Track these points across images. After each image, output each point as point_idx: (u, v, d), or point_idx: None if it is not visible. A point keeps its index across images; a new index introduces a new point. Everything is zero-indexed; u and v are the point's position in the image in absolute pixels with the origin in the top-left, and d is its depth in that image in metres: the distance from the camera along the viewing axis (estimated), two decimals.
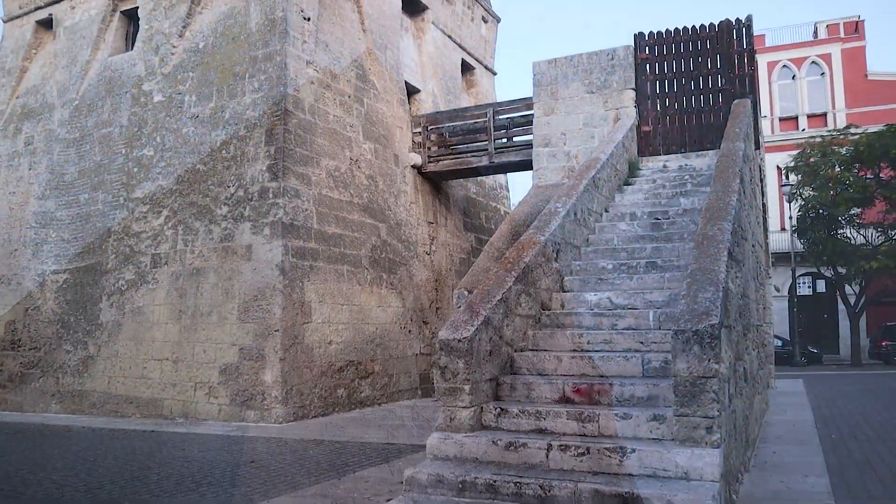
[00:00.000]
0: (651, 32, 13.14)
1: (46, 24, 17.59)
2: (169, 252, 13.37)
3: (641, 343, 6.84)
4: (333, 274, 13.14)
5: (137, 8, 15.57)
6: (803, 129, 32.13)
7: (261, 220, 12.31)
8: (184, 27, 14.56)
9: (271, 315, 11.78)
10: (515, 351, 6.98)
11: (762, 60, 30.40)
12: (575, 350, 7.03)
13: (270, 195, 12.34)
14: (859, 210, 25.64)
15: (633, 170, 12.08)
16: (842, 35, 32.95)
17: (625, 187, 11.33)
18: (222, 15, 14.26)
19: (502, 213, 20.68)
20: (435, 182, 17.17)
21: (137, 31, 15.64)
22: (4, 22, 18.40)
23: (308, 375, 12.14)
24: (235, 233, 12.58)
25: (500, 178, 21.08)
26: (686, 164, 12.24)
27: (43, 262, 15.45)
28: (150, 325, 13.21)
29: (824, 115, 32.45)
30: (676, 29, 13.05)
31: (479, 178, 19.09)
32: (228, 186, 12.93)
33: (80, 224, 15.04)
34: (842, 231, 26.50)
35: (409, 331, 15.27)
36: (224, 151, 13.17)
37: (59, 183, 15.77)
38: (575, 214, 8.97)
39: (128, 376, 13.25)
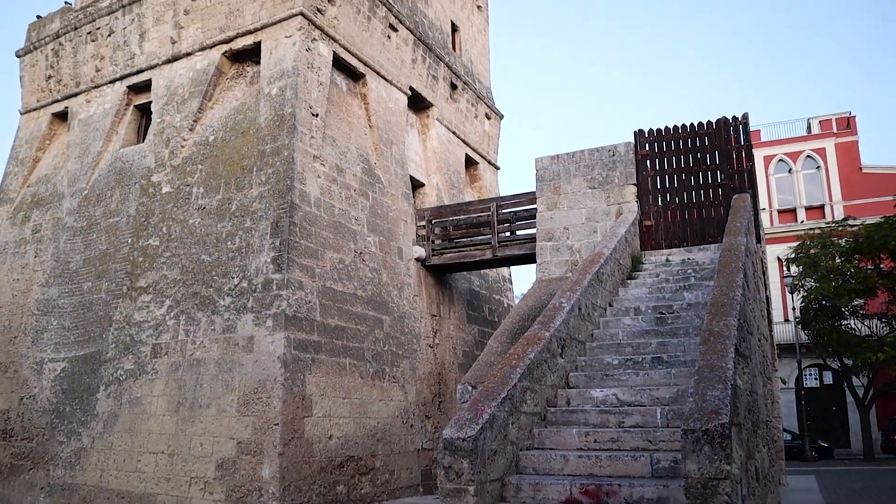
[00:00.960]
0: (651, 130, 13.49)
1: (61, 117, 18.11)
2: (170, 342, 13.28)
3: (650, 441, 6.70)
4: (335, 367, 12.99)
5: (150, 102, 16.06)
6: (802, 221, 32.50)
7: (264, 312, 12.28)
8: (195, 121, 14.98)
9: (271, 408, 11.58)
10: (521, 450, 6.83)
11: (759, 154, 31.08)
12: (581, 449, 6.88)
13: (274, 287, 12.36)
14: (862, 301, 25.61)
15: (636, 264, 12.13)
16: (834, 130, 33.81)
17: (628, 281, 11.36)
18: (233, 110, 14.70)
19: (506, 305, 20.65)
20: (439, 275, 17.23)
21: (149, 124, 16.09)
22: (21, 114, 18.96)
23: (307, 471, 11.82)
24: (238, 324, 12.53)
25: (504, 271, 21.17)
26: (689, 258, 12.30)
27: (42, 349, 15.34)
28: (146, 417, 12.97)
29: (822, 207, 32.89)
30: (675, 126, 13.40)
31: (482, 270, 19.18)
32: (232, 277, 12.97)
33: (82, 312, 15.01)
34: (846, 322, 26.38)
35: (412, 425, 14.97)
36: (229, 242, 13.29)
37: (63, 271, 15.84)
38: (579, 309, 8.96)
39: (121, 469, 12.91)
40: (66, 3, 19.05)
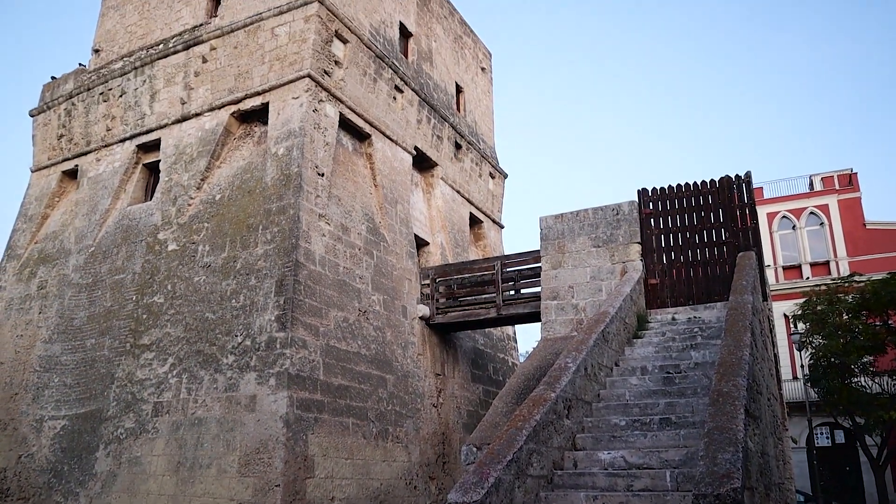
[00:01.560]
0: (654, 188, 13.57)
1: (71, 175, 18.36)
2: (171, 401, 13.14)
3: None
4: (338, 426, 12.81)
5: (159, 161, 16.29)
6: (807, 278, 32.38)
7: (267, 371, 12.18)
8: (202, 180, 15.16)
9: (272, 469, 11.38)
10: None
11: (762, 211, 31.21)
12: None
13: (278, 345, 12.29)
14: (872, 358, 25.28)
15: (641, 322, 12.05)
16: (837, 187, 33.99)
17: (634, 340, 11.26)
18: (240, 169, 14.88)
19: (511, 364, 20.47)
20: (443, 333, 17.14)
21: (157, 182, 16.29)
22: (32, 172, 19.23)
23: None
24: (240, 382, 12.42)
25: (509, 329, 21.05)
26: (695, 317, 12.22)
27: (42, 407, 15.19)
28: (146, 477, 12.75)
29: (827, 263, 32.81)
30: (679, 185, 13.48)
31: (487, 329, 19.08)
32: (236, 336, 12.92)
33: (84, 369, 14.92)
34: (856, 379, 25.99)
35: (416, 487, 14.67)
36: (234, 301, 13.28)
37: (67, 327, 15.82)
38: (585, 369, 8.86)
39: None
40: (80, 64, 19.52)
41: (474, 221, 21.04)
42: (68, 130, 18.53)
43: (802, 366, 27.68)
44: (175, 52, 16.66)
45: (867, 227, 32.88)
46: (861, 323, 25.10)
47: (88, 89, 18.28)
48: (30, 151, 19.67)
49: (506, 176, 23.36)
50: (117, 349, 14.58)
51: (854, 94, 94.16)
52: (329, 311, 13.40)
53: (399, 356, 15.23)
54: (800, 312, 26.96)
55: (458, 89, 21.56)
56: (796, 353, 28.14)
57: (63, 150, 18.54)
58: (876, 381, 26.09)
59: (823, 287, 27.23)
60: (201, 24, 16.77)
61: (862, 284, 25.12)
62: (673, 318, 12.34)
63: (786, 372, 28.39)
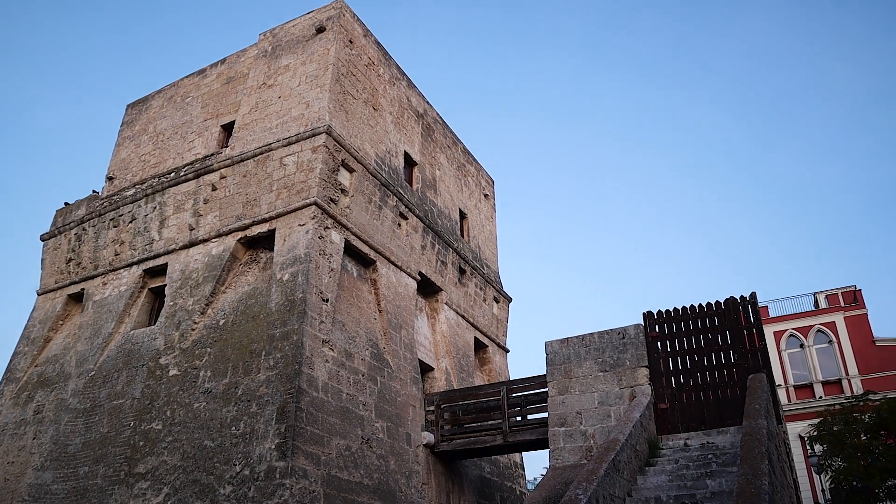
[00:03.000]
0: (660, 311, 13.51)
1: (77, 298, 18.44)
2: None
3: None
4: None
5: (165, 285, 16.38)
6: (820, 397, 31.69)
7: (265, 502, 11.70)
8: (206, 305, 15.18)
9: None
10: None
11: (768, 330, 30.96)
12: None
13: (277, 475, 11.87)
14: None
15: (653, 449, 11.67)
16: (842, 304, 33.89)
17: (646, 468, 10.86)
18: (244, 294, 14.93)
19: (518, 493, 19.69)
20: (448, 461, 16.60)
21: (162, 306, 16.30)
22: (38, 295, 19.32)
23: None
24: None
25: (516, 456, 20.41)
26: (708, 443, 11.85)
27: None
28: None
29: (839, 381, 32.21)
30: (684, 307, 13.43)
31: (493, 456, 18.50)
32: (235, 465, 12.51)
33: (75, 499, 14.36)
34: None
35: None
36: (234, 428, 12.96)
37: (60, 454, 15.36)
38: (597, 501, 8.49)
39: None
40: (93, 191, 20.06)
41: (479, 346, 20.85)
42: (77, 254, 18.77)
43: (823, 490, 26.59)
44: (186, 181, 17.15)
45: (876, 343, 32.53)
46: (881, 444, 24.31)
47: (100, 215, 18.68)
48: (37, 275, 19.87)
49: (510, 300, 23.36)
50: (111, 478, 14.09)
51: (855, 212, 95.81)
52: (331, 439, 13.03)
53: (403, 486, 14.67)
54: (815, 433, 26.18)
55: (462, 215, 21.97)
56: (815, 476, 27.12)
57: (71, 273, 18.72)
58: None
59: (838, 406, 26.56)
60: (212, 154, 17.35)
61: (877, 403, 24.52)
62: (685, 444, 11.96)
63: (806, 498, 27.22)
